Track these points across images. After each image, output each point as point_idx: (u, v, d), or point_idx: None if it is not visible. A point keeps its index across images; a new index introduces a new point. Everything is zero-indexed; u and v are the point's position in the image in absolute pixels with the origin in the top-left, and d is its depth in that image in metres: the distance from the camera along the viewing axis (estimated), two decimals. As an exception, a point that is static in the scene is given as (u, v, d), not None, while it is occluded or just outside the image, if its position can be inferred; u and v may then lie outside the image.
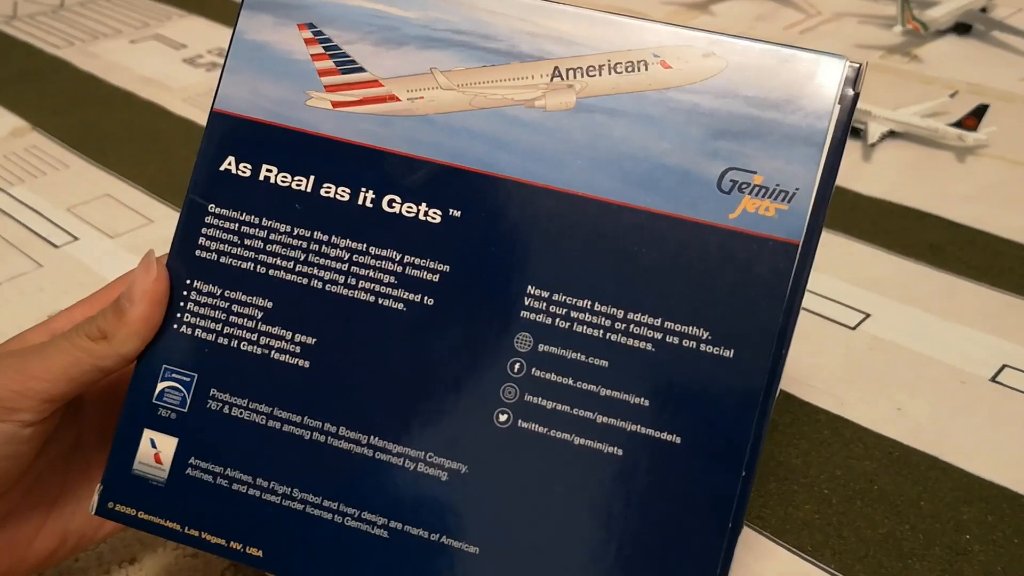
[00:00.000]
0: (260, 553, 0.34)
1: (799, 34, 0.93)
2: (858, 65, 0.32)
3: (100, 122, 0.74)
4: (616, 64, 0.33)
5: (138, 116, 0.75)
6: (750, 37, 0.33)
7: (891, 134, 0.75)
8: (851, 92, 0.32)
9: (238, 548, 0.34)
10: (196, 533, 0.34)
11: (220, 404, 0.35)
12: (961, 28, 0.94)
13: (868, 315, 0.55)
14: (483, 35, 0.34)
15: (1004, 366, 0.52)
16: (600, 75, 0.33)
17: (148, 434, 0.35)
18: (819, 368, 0.47)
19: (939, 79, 0.84)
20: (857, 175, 0.69)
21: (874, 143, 0.74)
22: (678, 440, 0.32)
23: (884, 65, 0.87)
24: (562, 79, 0.34)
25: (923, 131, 0.74)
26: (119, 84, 0.80)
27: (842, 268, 0.58)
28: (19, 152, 0.70)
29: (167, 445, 0.35)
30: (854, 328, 0.54)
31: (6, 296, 0.55)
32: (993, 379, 0.51)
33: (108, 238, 0.61)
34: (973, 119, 0.74)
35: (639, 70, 0.33)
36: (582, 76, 0.34)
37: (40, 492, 0.36)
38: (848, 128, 0.32)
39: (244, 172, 0.35)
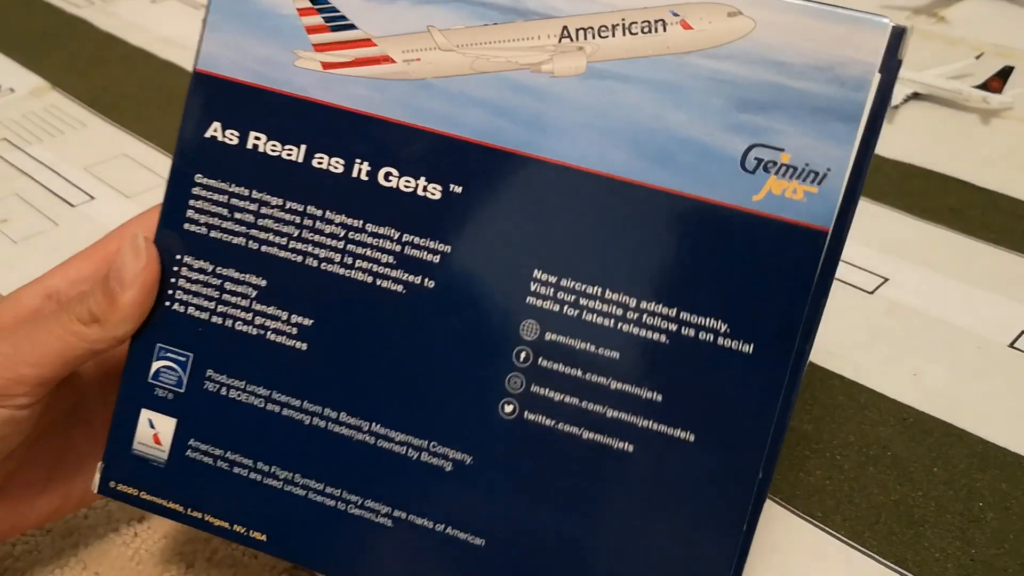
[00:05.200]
0: (264, 537, 0.33)
1: None
2: (903, 28, 0.28)
3: (118, 81, 0.73)
4: (631, 24, 0.30)
5: (156, 76, 0.74)
6: (782, -8, 0.29)
7: (915, 96, 0.73)
8: (895, 60, 0.28)
9: (242, 531, 0.33)
10: (199, 515, 0.34)
11: (217, 385, 0.33)
12: None
13: (886, 279, 0.53)
14: (484, -12, 0.31)
15: (1023, 332, 0.50)
16: (613, 36, 0.30)
17: (146, 414, 0.34)
18: (835, 333, 0.45)
19: (965, 40, 0.81)
20: (880, 137, 0.66)
21: (898, 105, 0.71)
22: (692, 438, 0.30)
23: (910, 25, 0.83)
24: (571, 40, 0.30)
25: (948, 93, 0.72)
26: (138, 44, 0.79)
27: (861, 232, 0.56)
28: (38, 111, 0.69)
29: (166, 426, 0.34)
30: (872, 292, 0.52)
31: (23, 255, 0.55)
32: (1012, 345, 0.49)
33: (124, 197, 0.60)
34: (999, 81, 0.71)
35: (656, 31, 0.30)
36: (593, 37, 0.30)
37: (41, 453, 0.36)
38: (888, 101, 0.29)
39: (231, 140, 0.33)
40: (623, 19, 0.30)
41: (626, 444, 0.31)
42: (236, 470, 0.33)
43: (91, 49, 0.78)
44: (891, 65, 0.28)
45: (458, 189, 0.31)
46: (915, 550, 0.38)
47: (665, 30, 0.30)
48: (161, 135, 0.66)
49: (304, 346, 0.33)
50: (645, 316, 0.30)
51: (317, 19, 0.32)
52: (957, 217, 0.59)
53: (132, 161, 0.63)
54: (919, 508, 0.40)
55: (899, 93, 0.72)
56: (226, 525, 0.33)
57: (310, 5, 0.32)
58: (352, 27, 0.32)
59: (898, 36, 0.28)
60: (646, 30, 0.30)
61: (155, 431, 0.34)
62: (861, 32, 0.28)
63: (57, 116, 0.68)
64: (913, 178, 0.61)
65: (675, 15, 0.30)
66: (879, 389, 0.46)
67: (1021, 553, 0.38)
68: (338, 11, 0.32)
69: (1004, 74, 0.71)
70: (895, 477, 0.41)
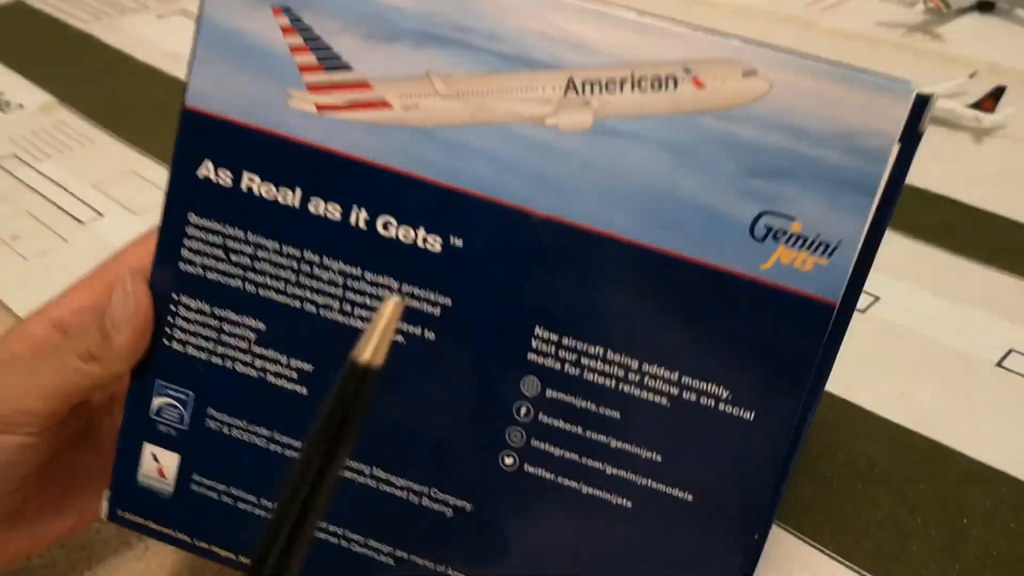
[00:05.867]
0: (269, 570, 0.34)
1: (821, 11, 0.88)
2: (928, 96, 0.27)
3: (126, 97, 0.73)
4: (640, 79, 0.29)
5: (163, 92, 0.73)
6: (799, 52, 0.28)
7: None
8: (917, 131, 0.27)
9: (247, 563, 0.34)
10: (206, 545, 0.34)
11: (219, 424, 0.33)
12: (984, 6, 0.89)
13: (878, 298, 0.53)
14: (488, 34, 0.29)
15: (1011, 351, 0.50)
16: (621, 91, 0.29)
17: (149, 448, 0.34)
18: None
19: (960, 58, 0.80)
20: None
21: None
22: (691, 498, 0.30)
23: (905, 44, 0.83)
24: (577, 93, 0.29)
25: (941, 112, 0.71)
26: (144, 59, 0.78)
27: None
28: (47, 128, 0.68)
29: (170, 460, 0.34)
30: (864, 311, 0.52)
31: (34, 272, 0.55)
32: (999, 364, 0.49)
33: (132, 215, 0.60)
34: (991, 101, 0.70)
35: (667, 88, 0.28)
36: (601, 91, 0.29)
37: (55, 475, 0.36)
38: (906, 174, 0.28)
39: (224, 180, 0.32)
40: (632, 73, 0.29)
41: (625, 500, 0.31)
42: (240, 505, 0.34)
43: (98, 65, 0.77)
44: (912, 136, 0.27)
45: (459, 242, 0.30)
46: (902, 565, 0.39)
47: (676, 87, 0.28)
48: (167, 152, 0.64)
49: (304, 390, 0.33)
50: (647, 378, 0.30)
51: (311, 58, 0.31)
52: (948, 236, 0.58)
53: (139, 178, 0.63)
54: (906, 524, 0.41)
55: None
56: (232, 556, 0.34)
57: (303, 43, 0.31)
58: (347, 68, 0.30)
59: (922, 105, 0.27)
60: (656, 86, 0.28)
61: (159, 465, 0.34)
62: (883, 100, 0.27)
63: (65, 132, 0.68)
64: (905, 197, 0.59)
65: (687, 72, 0.28)
66: (868, 407, 0.46)
67: (1005, 568, 0.39)
68: (332, 50, 0.30)
69: (996, 94, 0.70)
70: (883, 493, 0.42)
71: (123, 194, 0.62)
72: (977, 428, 0.45)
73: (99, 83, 0.75)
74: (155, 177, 0.63)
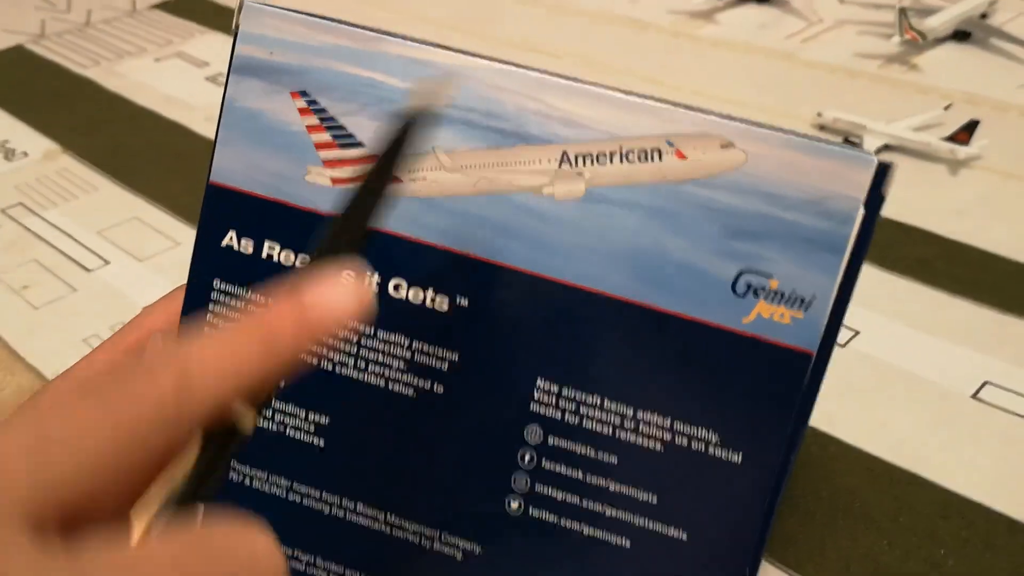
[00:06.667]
0: (289, 614, 0.36)
1: (801, 43, 0.91)
2: (887, 165, 0.30)
3: (127, 143, 0.75)
4: (628, 151, 0.31)
5: (163, 136, 0.75)
6: (773, 126, 0.31)
7: (886, 147, 0.74)
8: (879, 195, 0.30)
9: None
10: (228, 592, 0.36)
11: (241, 475, 0.36)
12: (960, 35, 0.91)
13: (857, 332, 0.56)
14: (488, 112, 0.32)
15: (986, 383, 0.52)
16: (611, 163, 0.31)
17: (175, 500, 0.36)
18: None
19: (937, 88, 0.82)
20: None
21: None
22: (684, 536, 0.33)
23: (882, 75, 0.85)
24: (571, 165, 0.32)
25: (917, 145, 0.73)
26: (144, 104, 0.80)
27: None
28: (51, 175, 0.71)
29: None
30: (844, 346, 0.55)
31: (44, 321, 0.57)
32: (974, 396, 0.52)
33: (137, 261, 0.62)
34: (965, 133, 0.72)
35: (652, 159, 0.31)
36: (592, 163, 0.32)
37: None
38: (871, 233, 0.30)
39: (247, 249, 0.34)
40: (621, 147, 0.31)
41: (623, 540, 0.33)
42: (262, 553, 0.36)
43: (99, 110, 0.80)
44: (875, 200, 0.30)
45: (464, 302, 0.33)
46: (883, 596, 0.41)
47: (661, 159, 0.31)
48: (169, 198, 0.68)
49: (321, 442, 0.35)
50: (641, 425, 0.32)
51: (325, 136, 0.33)
52: (924, 269, 0.60)
53: (143, 224, 0.65)
54: (885, 556, 0.43)
55: (870, 145, 0.73)
56: (254, 602, 0.36)
57: (318, 123, 0.33)
58: (359, 145, 0.33)
59: (883, 172, 0.30)
60: (642, 158, 0.31)
61: (184, 516, 0.36)
62: (848, 169, 0.30)
63: (69, 179, 0.70)
64: (882, 230, 0.61)
65: (670, 144, 0.31)
66: (849, 440, 0.49)
67: (981, 598, 0.41)
68: (345, 129, 0.33)
69: (970, 127, 0.72)
70: (862, 526, 0.44)
71: (128, 241, 0.64)
72: (954, 460, 0.48)
73: (100, 129, 0.76)
74: (157, 223, 0.65)
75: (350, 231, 0.26)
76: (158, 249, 0.63)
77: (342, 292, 0.24)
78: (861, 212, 0.30)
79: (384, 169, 0.27)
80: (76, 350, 0.54)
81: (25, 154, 0.73)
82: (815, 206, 0.30)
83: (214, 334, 0.24)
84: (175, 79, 0.84)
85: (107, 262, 0.62)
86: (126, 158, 0.72)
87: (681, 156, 0.31)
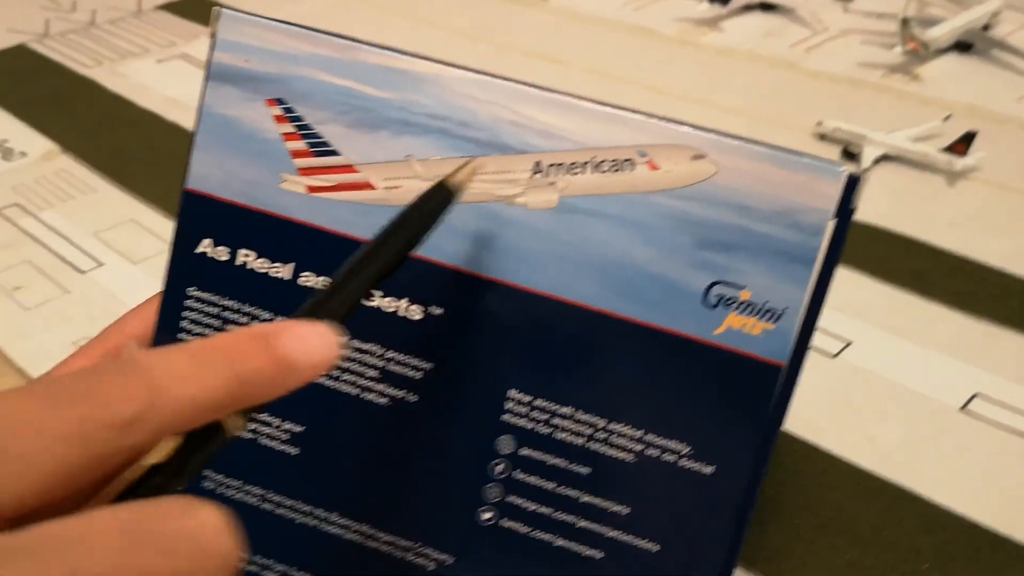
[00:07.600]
0: (263, 621, 0.36)
1: (805, 51, 0.91)
2: (857, 177, 0.30)
3: (126, 145, 0.75)
4: (601, 162, 0.31)
5: (162, 139, 0.75)
6: (745, 137, 0.31)
7: (884, 158, 0.74)
8: (848, 207, 0.30)
9: None
10: (202, 599, 0.36)
11: (215, 484, 0.36)
12: (962, 46, 0.91)
13: (849, 343, 0.55)
14: (462, 122, 0.32)
15: (975, 395, 0.52)
16: (584, 173, 0.31)
17: (150, 506, 0.36)
18: (800, 397, 0.48)
19: (938, 99, 0.82)
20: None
21: (867, 168, 0.72)
22: (656, 548, 0.32)
23: (884, 85, 0.85)
24: (543, 175, 0.32)
25: (915, 155, 0.73)
26: (145, 105, 0.80)
27: (829, 295, 0.57)
28: (49, 176, 0.71)
29: (169, 518, 0.36)
30: (835, 356, 0.54)
31: (35, 323, 0.57)
32: (962, 408, 0.51)
33: (132, 264, 0.62)
34: (962, 145, 0.72)
35: (624, 170, 0.31)
36: (565, 173, 0.32)
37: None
38: (842, 245, 0.30)
39: (221, 256, 0.34)
40: (593, 156, 0.31)
41: (595, 551, 0.33)
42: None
43: (99, 111, 0.79)
44: (845, 212, 0.30)
45: (438, 311, 0.33)
46: (866, 610, 0.41)
47: (633, 169, 0.31)
48: (167, 200, 0.68)
49: (295, 451, 0.35)
50: (613, 436, 0.32)
51: (301, 144, 0.33)
52: (919, 280, 0.60)
53: (139, 226, 0.65)
54: (868, 571, 0.43)
55: (869, 156, 0.73)
56: (228, 609, 0.36)
57: (294, 131, 0.33)
58: (334, 153, 0.33)
59: (852, 184, 0.30)
60: (615, 169, 0.31)
61: (159, 522, 0.36)
62: (818, 181, 0.30)
63: (67, 180, 0.70)
64: (879, 241, 0.63)
65: (643, 155, 0.31)
66: (836, 452, 0.48)
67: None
68: (321, 137, 0.33)
69: (967, 139, 0.72)
70: (847, 540, 0.44)
71: (123, 243, 0.63)
72: (940, 473, 0.47)
73: (100, 130, 0.76)
74: (154, 226, 0.65)
75: (340, 299, 0.27)
76: (154, 251, 0.63)
77: (318, 345, 0.24)
78: (831, 224, 0.30)
79: (394, 242, 0.28)
80: (65, 352, 0.53)
81: (24, 154, 0.73)
82: (786, 218, 0.30)
83: (186, 353, 0.23)
84: (177, 81, 0.84)
85: (101, 264, 0.62)
86: (125, 160, 0.72)
87: (653, 167, 0.31)
